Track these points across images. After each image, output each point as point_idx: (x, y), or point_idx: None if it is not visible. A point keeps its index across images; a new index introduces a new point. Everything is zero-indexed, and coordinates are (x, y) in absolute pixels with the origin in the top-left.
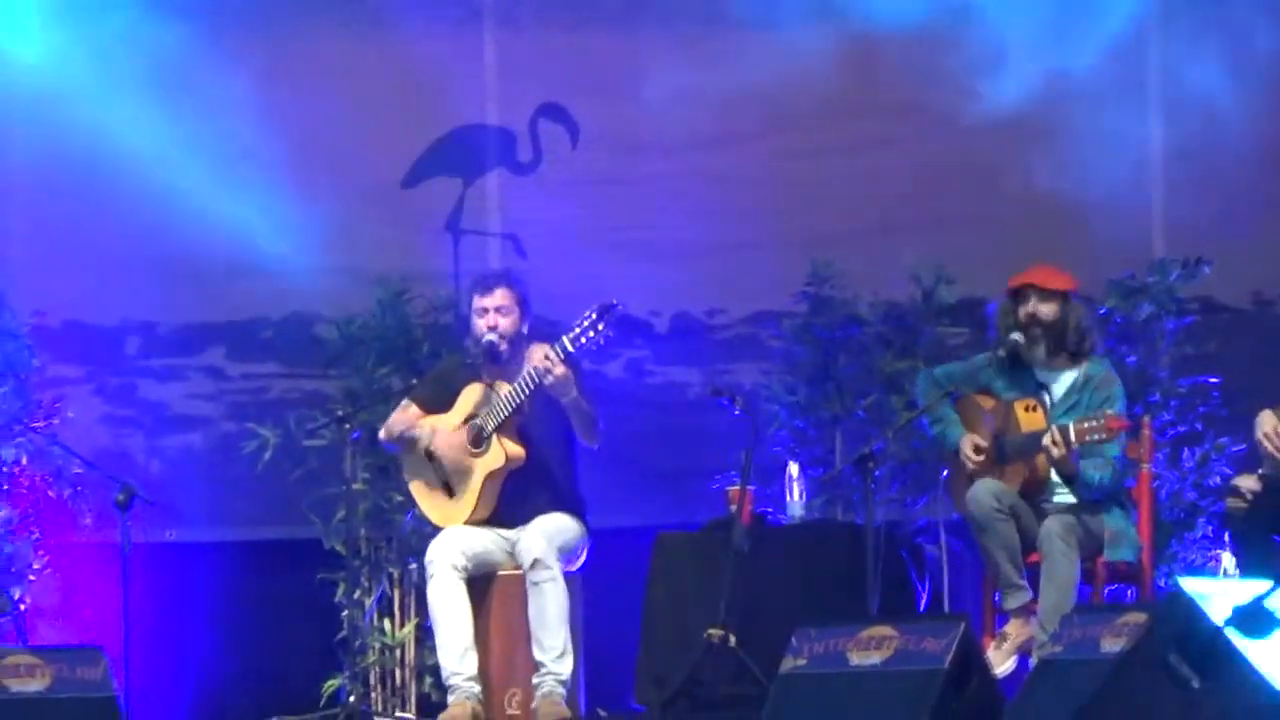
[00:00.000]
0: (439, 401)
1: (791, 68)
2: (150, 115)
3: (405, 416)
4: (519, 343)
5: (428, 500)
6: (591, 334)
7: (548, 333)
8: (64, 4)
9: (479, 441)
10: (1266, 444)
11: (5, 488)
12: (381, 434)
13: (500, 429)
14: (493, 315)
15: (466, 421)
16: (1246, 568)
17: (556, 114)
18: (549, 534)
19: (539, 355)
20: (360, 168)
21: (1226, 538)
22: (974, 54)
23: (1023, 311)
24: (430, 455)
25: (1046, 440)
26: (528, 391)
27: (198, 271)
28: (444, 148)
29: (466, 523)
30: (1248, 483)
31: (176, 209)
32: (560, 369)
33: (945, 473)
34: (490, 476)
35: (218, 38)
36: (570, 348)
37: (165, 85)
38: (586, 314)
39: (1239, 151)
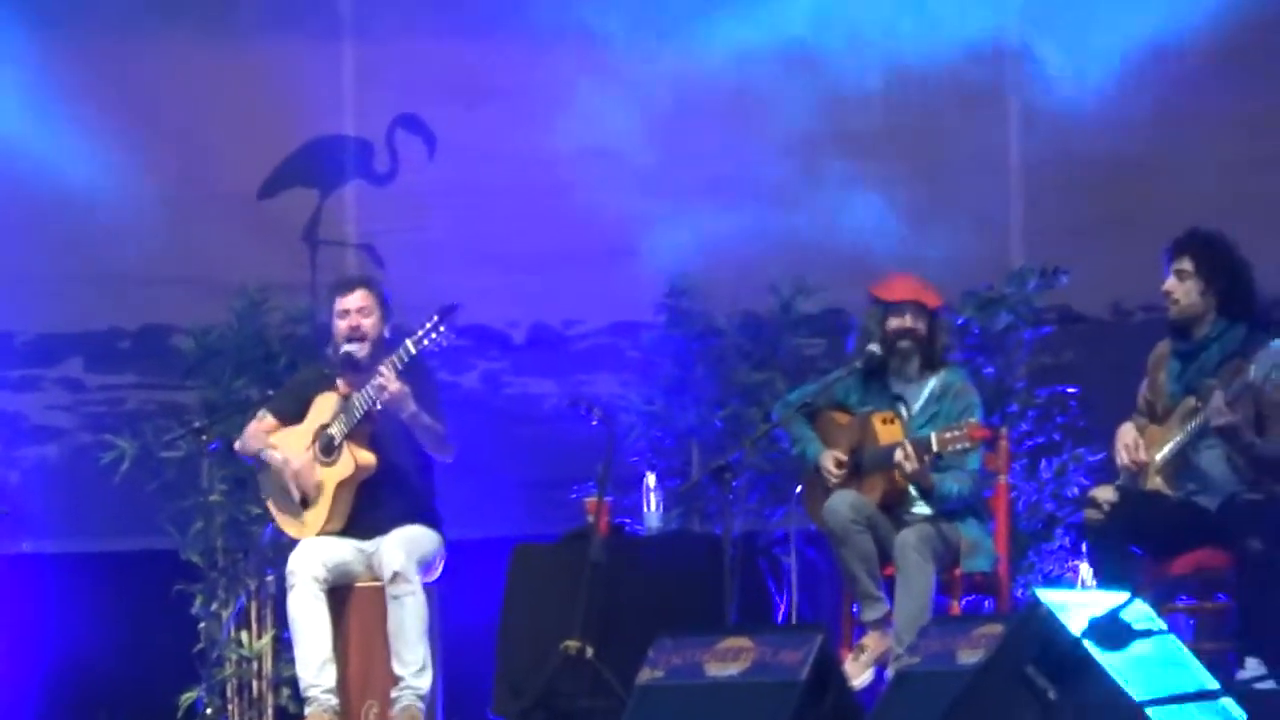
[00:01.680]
0: (295, 412)
1: (649, 76)
2: (7, 122)
3: (261, 428)
4: (380, 348)
5: (282, 512)
6: (434, 335)
7: (403, 342)
8: None
9: (329, 450)
10: (1124, 455)
11: None
12: (236, 445)
13: (351, 438)
14: (354, 316)
15: (318, 431)
16: (1103, 578)
17: (414, 124)
18: (408, 546)
19: (381, 369)
20: (216, 177)
21: (1084, 548)
22: (837, 64)
23: (896, 324)
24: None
25: (898, 455)
26: (372, 402)
27: (53, 282)
28: (301, 158)
29: (320, 533)
30: (1105, 494)
31: (30, 218)
32: (395, 385)
33: (799, 488)
34: (341, 486)
35: (74, 44)
36: (414, 350)
37: (27, 91)
38: (430, 316)
39: (1095, 160)
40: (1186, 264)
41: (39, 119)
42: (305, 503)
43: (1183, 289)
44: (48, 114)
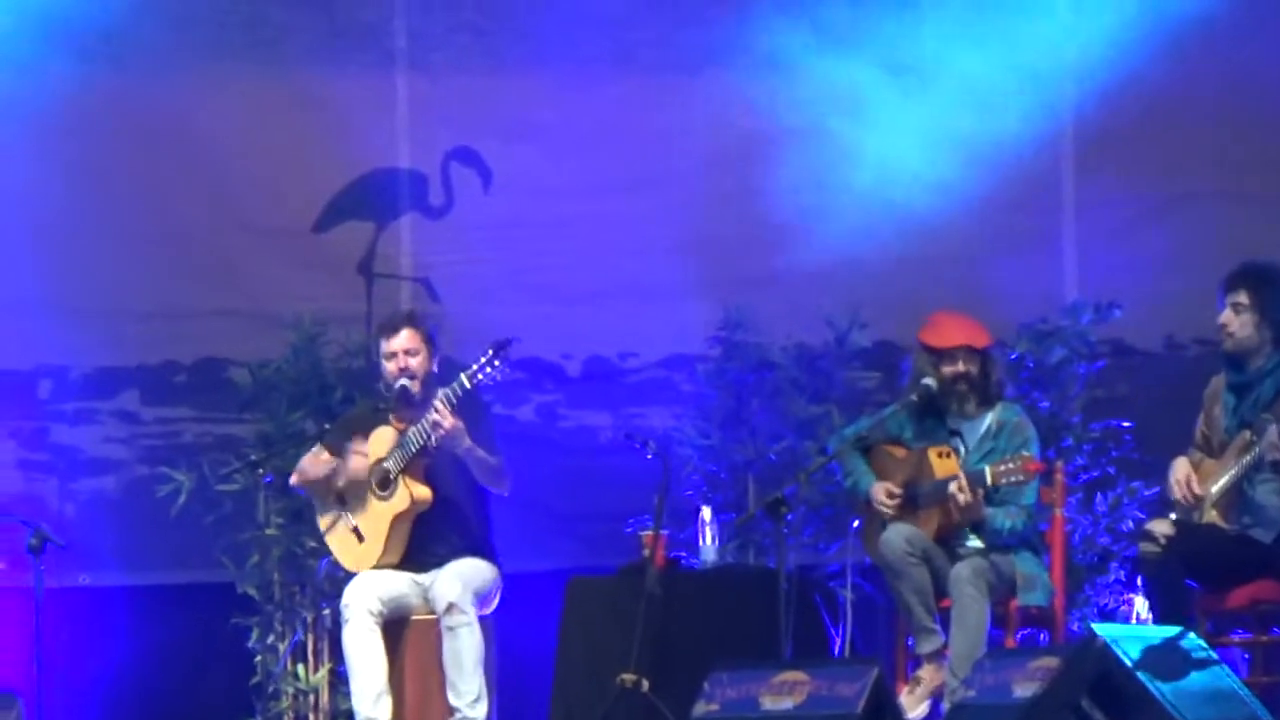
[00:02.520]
0: (350, 447)
1: (702, 111)
2: (52, 151)
3: (317, 461)
4: (431, 383)
5: (339, 544)
6: (489, 369)
7: (458, 376)
8: None
9: (386, 485)
10: (1178, 490)
11: None
12: (293, 479)
13: (407, 471)
14: (402, 358)
15: (375, 465)
16: (1159, 612)
17: (468, 157)
18: (464, 578)
19: (436, 403)
20: (271, 210)
21: (1139, 582)
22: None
23: (949, 370)
24: (341, 499)
25: (953, 488)
26: (428, 436)
27: (109, 314)
28: (356, 191)
29: (377, 566)
30: (1161, 527)
31: (85, 250)
32: (449, 421)
33: (857, 523)
34: (397, 519)
35: (124, 76)
36: (469, 384)
37: (70, 123)
38: (485, 350)
39: (1147, 195)
40: (1242, 297)
41: (94, 152)
42: (360, 534)
43: (1238, 322)
44: (103, 148)
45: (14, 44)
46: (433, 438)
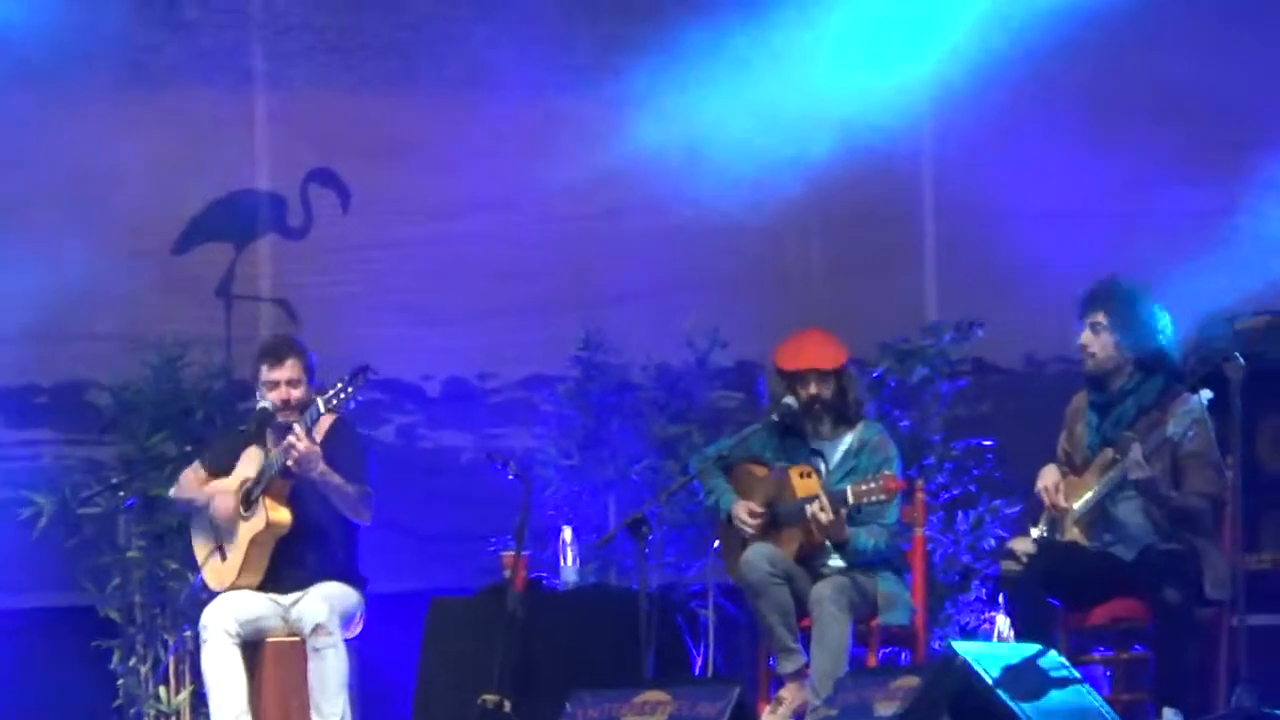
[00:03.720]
0: (226, 465)
1: (559, 131)
2: None
3: (195, 477)
4: (305, 410)
5: (205, 561)
6: (344, 395)
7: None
8: None
9: (249, 505)
10: (1045, 497)
11: None
12: (172, 491)
13: (269, 493)
14: (284, 389)
15: (241, 485)
16: (1021, 630)
17: (327, 178)
18: (330, 600)
19: (296, 426)
20: (132, 231)
21: (1001, 600)
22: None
23: (803, 393)
24: (212, 518)
25: (813, 507)
26: (283, 462)
27: None
28: (214, 212)
29: (234, 586)
30: (1022, 545)
31: None
32: (304, 444)
33: (717, 543)
34: (255, 540)
35: None
36: (323, 409)
37: None
38: (341, 376)
39: (1007, 211)
40: (1100, 317)
41: None
42: (224, 555)
43: (1098, 342)
44: None
45: None
46: (287, 460)
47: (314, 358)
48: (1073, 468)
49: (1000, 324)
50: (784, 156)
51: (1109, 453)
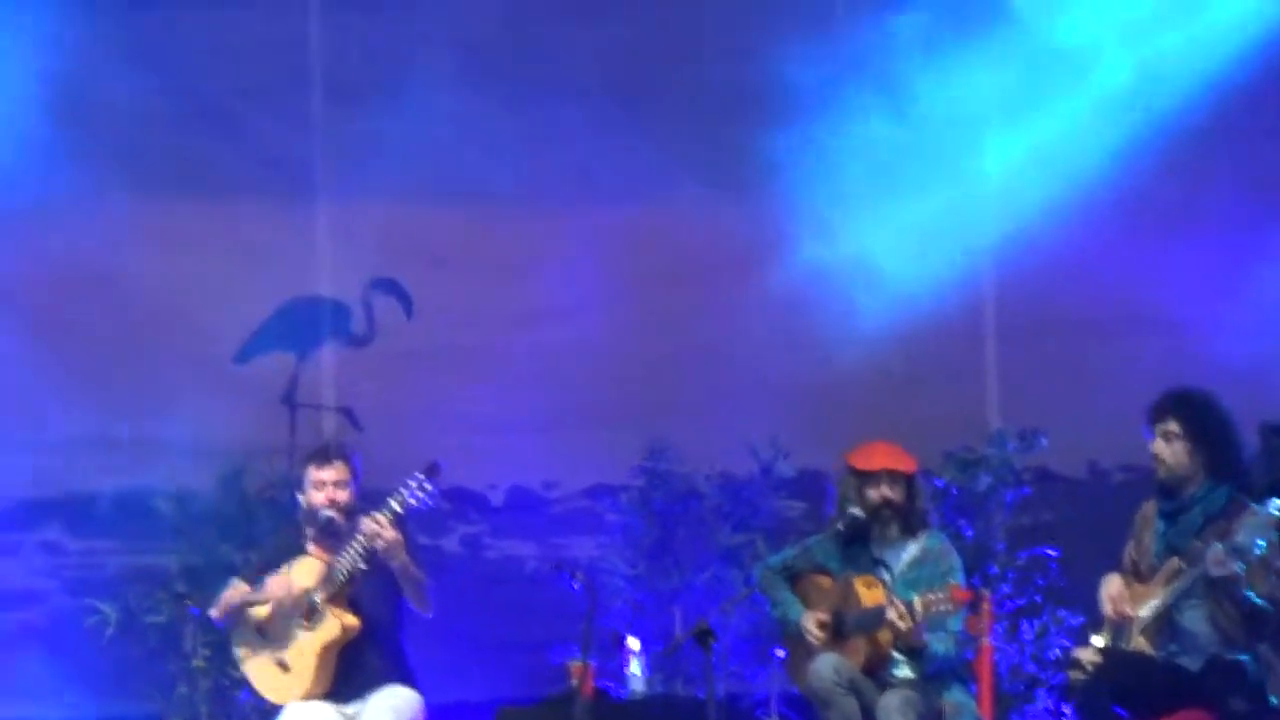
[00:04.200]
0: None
1: (619, 242)
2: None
3: (236, 591)
4: (354, 514)
5: (262, 676)
6: (420, 493)
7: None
8: None
9: (310, 614)
10: (1110, 607)
11: None
12: (213, 613)
13: (333, 601)
14: (331, 489)
15: (300, 595)
16: None
17: (389, 286)
18: (396, 709)
19: (369, 523)
20: (194, 340)
21: (1067, 710)
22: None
23: (874, 494)
24: (261, 630)
25: (892, 614)
26: (361, 560)
27: (31, 446)
28: (277, 321)
29: (303, 697)
30: (1088, 654)
31: (5, 382)
32: (390, 533)
33: (784, 653)
34: (326, 649)
35: (45, 209)
36: (398, 508)
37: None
38: (413, 475)
39: (1067, 322)
40: (1173, 425)
41: (11, 284)
42: (284, 665)
43: (1170, 450)
44: (22, 279)
45: None
46: (376, 544)
47: (359, 462)
48: (1138, 576)
49: (1063, 432)
50: (854, 272)
51: (1175, 561)
